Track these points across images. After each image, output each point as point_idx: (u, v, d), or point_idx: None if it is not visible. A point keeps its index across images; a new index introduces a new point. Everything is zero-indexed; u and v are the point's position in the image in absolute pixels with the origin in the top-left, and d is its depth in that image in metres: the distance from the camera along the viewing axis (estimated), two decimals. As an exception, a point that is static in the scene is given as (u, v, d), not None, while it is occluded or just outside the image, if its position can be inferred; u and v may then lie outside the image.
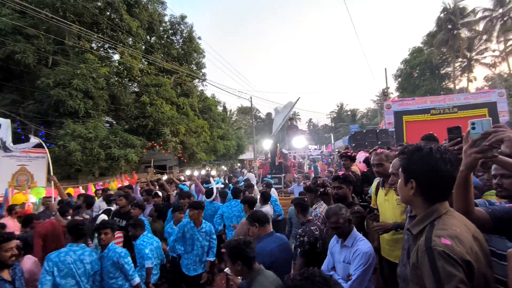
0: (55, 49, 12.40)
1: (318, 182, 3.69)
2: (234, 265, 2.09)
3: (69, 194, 6.61)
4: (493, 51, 32.20)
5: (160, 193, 5.84)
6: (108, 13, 14.43)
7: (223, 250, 3.11)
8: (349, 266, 2.35)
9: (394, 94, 37.52)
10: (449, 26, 31.07)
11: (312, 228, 2.96)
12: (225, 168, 20.90)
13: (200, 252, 3.94)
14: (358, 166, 5.19)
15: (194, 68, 19.91)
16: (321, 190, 3.34)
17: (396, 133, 15.88)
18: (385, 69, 23.39)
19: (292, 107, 11.44)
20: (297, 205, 3.25)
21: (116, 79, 14.95)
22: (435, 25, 32.64)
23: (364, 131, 17.02)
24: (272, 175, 8.79)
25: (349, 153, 4.25)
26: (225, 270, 2.52)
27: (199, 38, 19.53)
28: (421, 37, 36.79)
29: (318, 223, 3.17)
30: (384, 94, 23.78)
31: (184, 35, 19.01)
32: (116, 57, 15.49)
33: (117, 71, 14.74)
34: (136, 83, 15.94)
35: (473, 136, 1.26)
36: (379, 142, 13.69)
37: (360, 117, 55.94)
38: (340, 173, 3.49)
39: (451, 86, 33.94)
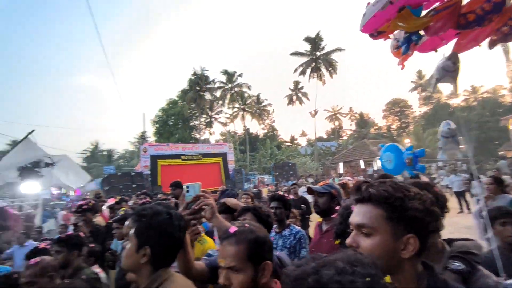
0: None
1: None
2: None
3: None
4: (226, 113, 42.32)
5: None
6: None
7: None
8: None
9: (151, 138, 39.42)
10: (197, 88, 37.77)
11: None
12: None
13: None
14: (105, 215, 4.64)
15: None
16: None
17: (152, 176, 16.34)
18: (144, 114, 24.31)
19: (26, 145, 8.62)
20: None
21: None
22: (187, 84, 38.64)
23: (119, 173, 16.26)
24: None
25: (84, 206, 3.60)
26: None
27: None
28: (177, 91, 42.13)
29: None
30: (142, 137, 24.34)
31: None
32: None
33: None
34: None
35: (187, 199, 1.41)
36: (134, 185, 13.47)
37: (117, 158, 53.63)
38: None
39: (198, 136, 40.50)
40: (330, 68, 36.45)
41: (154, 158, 16.94)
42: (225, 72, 39.70)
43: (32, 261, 1.95)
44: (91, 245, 2.77)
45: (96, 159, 50.05)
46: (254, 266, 1.04)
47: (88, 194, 17.64)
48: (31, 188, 8.68)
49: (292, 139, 48.82)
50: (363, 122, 47.83)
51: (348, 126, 55.76)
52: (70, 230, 4.34)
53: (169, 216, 1.22)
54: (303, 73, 37.38)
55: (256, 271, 1.05)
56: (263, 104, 42.97)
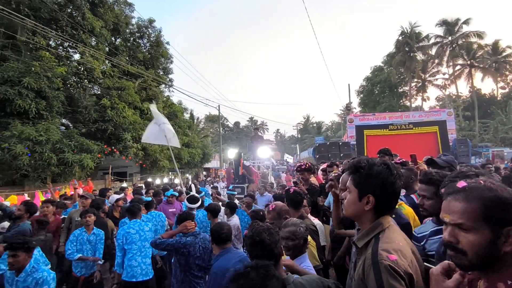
0: (4, 43, 11.42)
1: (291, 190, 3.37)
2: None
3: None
4: (443, 74, 35.26)
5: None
6: (69, 10, 13.66)
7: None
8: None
9: (356, 109, 39.35)
10: (406, 49, 33.45)
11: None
12: (190, 176, 20.40)
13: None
14: (319, 177, 5.25)
15: (161, 73, 19.40)
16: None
17: (357, 146, 16.51)
18: (349, 85, 24.57)
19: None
20: (252, 218, 3.16)
21: (75, 80, 14.08)
22: (394, 47, 34.99)
23: (328, 143, 17.52)
24: (235, 185, 8.70)
25: (303, 166, 4.20)
26: None
27: (167, 43, 19.15)
28: (382, 57, 39.22)
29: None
30: (347, 108, 24.85)
31: (151, 39, 18.51)
32: (77, 57, 14.68)
33: (77, 71, 13.89)
34: (97, 85, 15.15)
35: None
36: (341, 155, 14.16)
37: (325, 130, 57.82)
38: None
39: (408, 104, 36.38)
40: None
41: (360, 129, 16.93)
42: (443, 23, 32.60)
43: (271, 206, 2.59)
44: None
45: (307, 131, 56.33)
46: (494, 229, 0.87)
47: (302, 160, 20.34)
48: (264, 153, 11.27)
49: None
50: None
51: None
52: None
53: (386, 166, 1.25)
54: None
55: (497, 236, 0.87)
56: (503, 54, 32.30)
